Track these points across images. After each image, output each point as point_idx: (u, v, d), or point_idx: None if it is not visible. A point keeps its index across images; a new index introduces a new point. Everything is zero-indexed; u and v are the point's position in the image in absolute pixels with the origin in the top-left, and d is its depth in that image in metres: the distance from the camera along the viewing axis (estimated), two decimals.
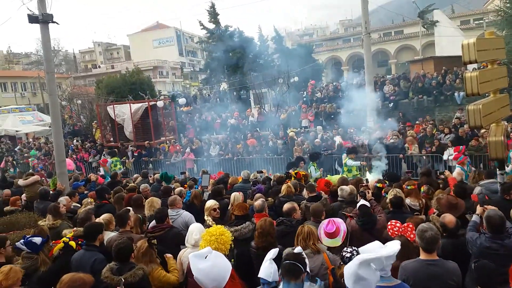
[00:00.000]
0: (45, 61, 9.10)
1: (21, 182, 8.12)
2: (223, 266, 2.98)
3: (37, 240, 3.80)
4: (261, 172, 8.93)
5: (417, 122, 14.67)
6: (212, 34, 30.73)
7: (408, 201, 5.33)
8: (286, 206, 4.75)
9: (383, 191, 6.05)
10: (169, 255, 3.99)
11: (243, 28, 32.40)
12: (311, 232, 3.69)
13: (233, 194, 6.07)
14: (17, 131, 24.02)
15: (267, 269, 2.90)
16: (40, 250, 3.82)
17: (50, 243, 4.12)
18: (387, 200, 5.28)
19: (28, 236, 3.86)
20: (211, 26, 30.60)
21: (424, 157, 11.74)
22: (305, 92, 23.49)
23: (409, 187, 5.54)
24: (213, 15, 30.12)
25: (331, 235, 3.91)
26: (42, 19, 7.94)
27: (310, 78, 25.65)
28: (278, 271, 2.90)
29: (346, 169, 10.58)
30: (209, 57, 32.40)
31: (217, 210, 5.19)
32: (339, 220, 4.05)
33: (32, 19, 7.89)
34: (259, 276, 2.96)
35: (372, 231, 4.41)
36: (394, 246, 2.77)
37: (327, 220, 4.05)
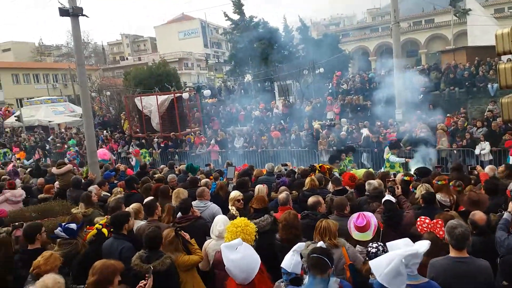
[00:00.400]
0: (76, 54, 9.36)
1: (54, 170, 8.44)
2: (252, 258, 3.01)
3: (73, 226, 3.99)
4: (286, 165, 8.91)
5: (448, 115, 14.19)
6: (237, 25, 30.68)
7: (438, 196, 5.19)
8: (311, 199, 4.73)
9: (411, 186, 5.91)
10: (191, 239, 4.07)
11: (268, 18, 32.18)
12: (328, 228, 3.63)
13: (257, 187, 6.11)
14: (49, 121, 24.94)
15: (289, 260, 2.96)
16: (77, 235, 3.99)
17: (85, 229, 4.29)
18: (416, 195, 5.17)
19: (64, 223, 4.04)
20: (236, 17, 30.53)
21: (455, 151, 11.37)
22: (330, 84, 23.15)
23: (439, 182, 5.38)
24: (238, 5, 30.02)
25: (361, 229, 3.87)
26: (73, 12, 8.15)
27: (336, 69, 25.21)
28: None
29: (389, 165, 9.75)
30: (234, 48, 32.39)
31: (241, 201, 5.27)
32: (369, 214, 3.99)
33: (63, 12, 8.10)
34: (281, 266, 3.01)
35: (397, 228, 4.32)
36: (423, 245, 2.71)
37: (357, 214, 4.00)
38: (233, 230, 3.73)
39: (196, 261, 3.92)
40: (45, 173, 9.66)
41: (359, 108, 17.20)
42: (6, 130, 24.82)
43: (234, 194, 5.36)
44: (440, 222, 3.68)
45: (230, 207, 5.21)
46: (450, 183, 5.57)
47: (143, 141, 17.08)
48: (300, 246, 3.06)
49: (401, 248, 2.95)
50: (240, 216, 4.29)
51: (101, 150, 11.92)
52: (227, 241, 3.58)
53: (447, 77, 18.02)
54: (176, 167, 10.23)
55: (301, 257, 3.06)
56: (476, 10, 25.73)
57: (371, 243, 3.49)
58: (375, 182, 5.60)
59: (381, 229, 4.18)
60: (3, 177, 9.20)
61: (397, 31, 14.28)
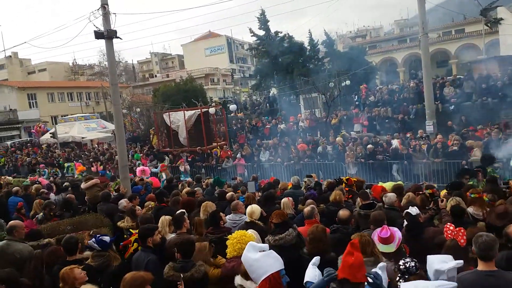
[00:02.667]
0: (110, 74, 9.79)
1: (82, 185, 8.76)
2: (265, 266, 3.05)
3: (107, 239, 4.13)
4: (310, 176, 8.83)
5: (479, 126, 13.67)
6: (262, 41, 31.10)
7: (471, 210, 5.02)
8: (343, 213, 4.66)
9: (441, 201, 5.73)
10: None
11: (293, 33, 32.46)
12: (371, 241, 3.66)
13: (282, 200, 6.10)
14: (82, 137, 25.94)
15: (312, 272, 3.05)
16: (109, 248, 4.12)
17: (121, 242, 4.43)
18: (447, 208, 5.03)
19: (98, 236, 4.19)
20: (261, 33, 30.98)
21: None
22: (356, 96, 22.93)
23: (473, 195, 5.21)
24: (263, 22, 30.48)
25: (385, 241, 3.80)
26: (107, 35, 8.57)
27: (363, 81, 24.99)
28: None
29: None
30: (259, 63, 32.81)
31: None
32: (394, 228, 3.92)
33: (98, 35, 8.53)
34: (305, 281, 3.05)
35: (417, 241, 4.24)
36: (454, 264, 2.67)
37: (383, 226, 3.94)
38: (229, 242, 3.86)
39: (216, 275, 3.94)
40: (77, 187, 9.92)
41: (387, 120, 16.89)
42: (42, 146, 26.00)
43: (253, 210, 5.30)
44: (462, 230, 3.64)
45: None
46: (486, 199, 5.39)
47: (170, 156, 17.44)
48: (317, 259, 3.18)
49: (434, 264, 2.89)
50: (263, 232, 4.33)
51: (142, 168, 12.36)
52: (229, 254, 3.82)
53: (479, 88, 17.46)
54: (203, 181, 10.37)
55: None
56: (508, 19, 24.91)
57: (403, 259, 3.40)
58: (391, 196, 5.58)
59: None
60: (40, 190, 9.66)
61: (426, 42, 14.05)
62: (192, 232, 4.89)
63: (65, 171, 18.15)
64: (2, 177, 14.66)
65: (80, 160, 18.64)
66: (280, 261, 3.15)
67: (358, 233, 3.82)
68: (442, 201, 5.00)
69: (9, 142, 31.64)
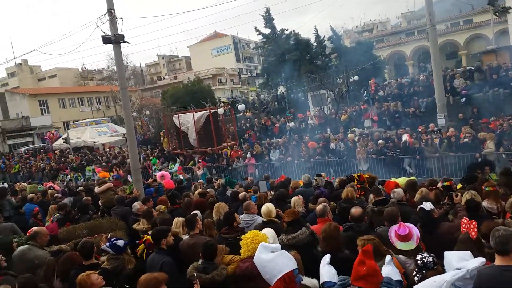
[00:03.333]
0: (119, 78, 9.90)
1: (96, 189, 8.88)
2: (278, 266, 3.05)
3: (120, 243, 4.18)
4: (320, 175, 8.78)
5: (491, 118, 13.48)
6: (268, 39, 31.09)
7: (485, 203, 4.96)
8: (356, 210, 4.64)
9: (456, 196, 5.67)
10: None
11: (298, 30, 32.37)
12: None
13: (293, 199, 6.10)
14: (94, 142, 26.26)
15: (329, 272, 3.03)
16: (124, 251, 4.18)
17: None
18: (462, 203, 4.98)
19: (112, 239, 4.25)
20: (267, 31, 30.98)
21: (504, 155, 10.77)
22: (365, 91, 22.78)
23: (487, 189, 5.14)
24: (268, 20, 30.48)
25: (404, 238, 3.78)
26: (115, 40, 8.66)
27: (372, 76, 24.80)
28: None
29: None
30: (266, 61, 32.80)
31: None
32: (410, 224, 3.90)
33: (106, 40, 8.63)
34: (323, 281, 3.03)
35: (432, 236, 4.21)
36: (475, 262, 2.64)
37: (398, 224, 3.92)
38: (243, 242, 3.84)
39: (229, 272, 3.96)
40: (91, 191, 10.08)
41: (397, 115, 16.74)
42: (55, 152, 26.40)
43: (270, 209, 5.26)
44: (474, 223, 3.63)
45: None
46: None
47: (181, 157, 17.56)
48: (329, 258, 3.18)
49: (453, 261, 2.86)
50: (278, 231, 4.33)
51: (161, 173, 12.51)
52: (243, 254, 3.79)
53: (490, 78, 17.19)
54: (215, 182, 10.42)
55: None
56: None
57: (420, 253, 3.39)
58: (399, 191, 5.57)
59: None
60: (55, 195, 9.82)
61: (434, 34, 13.88)
62: (203, 234, 4.93)
63: (86, 174, 18.27)
64: (17, 183, 14.94)
65: (97, 165, 18.73)
66: (293, 260, 3.15)
67: (367, 236, 3.78)
68: (456, 195, 4.95)
69: (23, 149, 32.20)
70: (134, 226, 5.84)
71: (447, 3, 40.44)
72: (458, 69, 22.46)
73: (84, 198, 8.51)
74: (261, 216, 5.48)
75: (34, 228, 5.38)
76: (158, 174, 12.08)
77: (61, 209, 7.40)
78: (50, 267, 4.41)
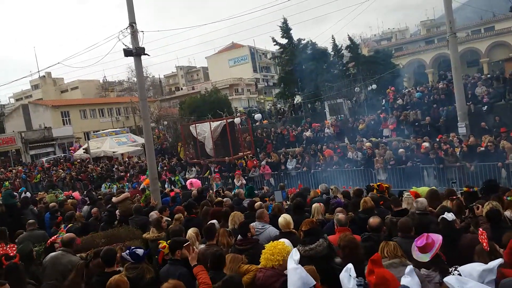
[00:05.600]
0: (139, 89, 10.10)
1: (114, 199, 8.98)
2: (301, 280, 3.05)
3: (140, 251, 4.20)
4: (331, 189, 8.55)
5: None
6: (285, 49, 31.17)
7: (508, 213, 4.78)
8: (374, 220, 4.55)
9: (477, 209, 5.48)
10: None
11: (316, 39, 32.38)
12: (396, 247, 3.56)
13: (313, 206, 6.04)
14: (114, 152, 26.74)
15: (350, 283, 2.97)
16: (143, 260, 4.20)
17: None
18: (483, 213, 4.81)
19: (132, 248, 4.28)
20: (284, 41, 31.08)
21: None
22: (384, 100, 22.52)
23: (509, 198, 4.97)
24: (286, 30, 30.59)
25: (421, 250, 3.67)
26: (136, 52, 8.87)
27: (390, 84, 24.53)
28: None
29: None
30: (283, 71, 32.85)
31: None
32: (436, 237, 3.76)
33: (127, 53, 8.85)
34: None
35: (453, 248, 4.08)
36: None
37: (423, 234, 3.80)
38: (264, 251, 3.81)
39: (245, 282, 3.93)
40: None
41: (416, 124, 16.43)
42: (76, 162, 27.00)
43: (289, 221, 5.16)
44: (484, 233, 3.60)
45: None
46: None
47: (197, 167, 17.65)
48: (349, 269, 3.11)
49: (474, 272, 2.77)
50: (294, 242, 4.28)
51: (193, 180, 12.73)
52: (262, 263, 3.75)
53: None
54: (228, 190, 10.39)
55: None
56: None
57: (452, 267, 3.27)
58: (424, 201, 5.41)
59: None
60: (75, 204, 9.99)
61: (455, 42, 13.65)
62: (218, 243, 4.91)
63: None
64: (40, 193, 15.26)
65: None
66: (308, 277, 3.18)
67: (385, 240, 3.71)
68: (478, 208, 4.77)
69: (44, 159, 33.08)
70: (145, 235, 5.87)
71: (468, 11, 39.85)
72: (479, 77, 22.00)
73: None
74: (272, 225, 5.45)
75: (69, 235, 5.44)
76: (188, 182, 12.30)
77: (69, 219, 7.54)
78: (80, 271, 4.46)
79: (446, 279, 2.65)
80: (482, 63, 35.85)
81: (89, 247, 5.63)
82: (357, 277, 3.07)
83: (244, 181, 14.29)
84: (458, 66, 13.82)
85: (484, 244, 3.47)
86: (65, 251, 5.13)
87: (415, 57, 39.22)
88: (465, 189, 5.78)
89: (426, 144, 12.60)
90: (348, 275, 3.04)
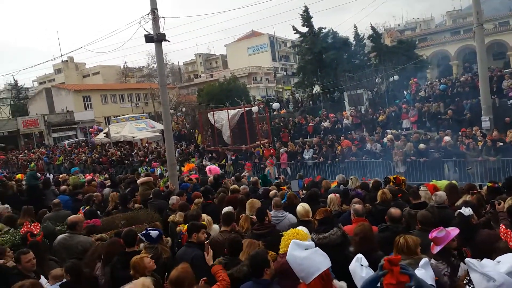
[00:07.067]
0: (159, 76, 10.17)
1: (138, 181, 9.20)
2: (315, 263, 2.96)
3: (154, 233, 4.32)
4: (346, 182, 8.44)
5: None
6: (305, 37, 30.74)
7: None
8: (395, 211, 4.52)
9: (498, 204, 5.36)
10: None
11: (337, 28, 31.83)
12: (406, 244, 3.46)
13: (329, 196, 6.03)
14: (133, 137, 27.19)
15: (362, 273, 2.87)
16: (158, 242, 4.32)
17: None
18: (505, 209, 4.71)
19: (148, 228, 4.41)
20: (304, 29, 30.65)
21: None
22: (405, 92, 22.05)
23: None
24: (306, 18, 30.14)
25: (436, 242, 3.63)
26: (157, 39, 8.91)
27: (412, 76, 23.97)
28: None
29: None
30: (302, 60, 32.48)
31: None
32: (452, 230, 3.70)
33: (148, 39, 8.89)
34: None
35: (469, 243, 4.01)
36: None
37: (439, 227, 3.76)
38: (284, 238, 3.77)
39: None
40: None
41: (439, 116, 16.04)
42: (97, 145, 27.63)
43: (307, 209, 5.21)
44: (509, 232, 3.52)
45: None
46: None
47: (214, 154, 17.78)
48: (359, 258, 3.00)
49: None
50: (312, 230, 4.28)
51: (212, 167, 12.94)
52: (281, 249, 3.71)
53: None
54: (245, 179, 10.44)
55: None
56: None
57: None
58: (443, 194, 5.32)
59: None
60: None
61: (481, 34, 13.18)
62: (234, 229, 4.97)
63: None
64: (61, 175, 15.72)
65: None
66: (328, 258, 3.07)
67: (402, 234, 3.66)
68: (499, 203, 4.66)
69: (66, 142, 33.97)
70: (170, 218, 5.99)
71: (496, 2, 38.37)
72: (505, 70, 21.27)
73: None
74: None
75: (72, 218, 5.57)
76: (207, 168, 12.56)
77: (88, 201, 7.72)
78: (97, 251, 4.64)
79: (467, 260, 2.61)
80: (509, 55, 34.63)
81: (110, 228, 5.82)
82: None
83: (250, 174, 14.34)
84: (484, 59, 13.37)
85: (511, 243, 3.39)
86: (71, 233, 5.27)
87: (440, 48, 38.13)
88: (489, 184, 5.64)
89: (447, 138, 12.32)
90: (359, 265, 2.99)
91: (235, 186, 7.94)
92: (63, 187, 9.88)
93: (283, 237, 3.81)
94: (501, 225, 3.78)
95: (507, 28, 35.86)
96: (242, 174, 11.56)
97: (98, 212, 7.39)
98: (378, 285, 2.76)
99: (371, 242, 3.86)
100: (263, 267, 3.31)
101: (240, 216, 5.19)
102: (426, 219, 4.29)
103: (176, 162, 11.40)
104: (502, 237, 3.57)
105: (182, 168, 14.89)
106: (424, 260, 3.06)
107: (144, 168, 16.56)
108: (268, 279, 3.31)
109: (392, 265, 2.57)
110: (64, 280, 3.83)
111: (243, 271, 3.59)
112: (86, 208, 7.33)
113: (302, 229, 4.04)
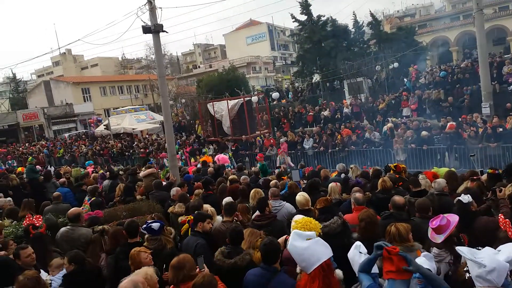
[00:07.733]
0: (158, 67, 10.11)
1: (141, 173, 9.22)
2: (317, 254, 2.96)
3: (155, 225, 4.35)
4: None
5: None
6: (304, 26, 30.45)
7: None
8: (400, 199, 4.54)
9: (499, 191, 5.36)
10: None
11: (336, 16, 31.54)
12: (398, 232, 3.46)
13: (330, 185, 6.04)
14: (133, 129, 27.18)
15: (362, 260, 2.89)
16: (159, 233, 4.35)
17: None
18: (506, 197, 4.71)
19: (149, 222, 4.45)
20: (303, 17, 30.34)
21: None
22: (405, 79, 21.95)
23: None
24: (305, 6, 29.80)
25: (436, 231, 3.65)
26: (154, 29, 8.84)
27: (412, 63, 23.82)
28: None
29: None
30: (301, 49, 32.23)
31: None
32: (451, 217, 3.72)
33: (146, 29, 8.81)
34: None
35: (467, 230, 4.03)
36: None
37: (439, 215, 3.77)
38: (294, 226, 3.75)
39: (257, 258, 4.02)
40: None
41: (439, 103, 15.98)
42: (97, 137, 27.64)
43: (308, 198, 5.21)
44: (508, 222, 3.52)
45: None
46: None
47: (214, 145, 17.79)
48: (358, 244, 3.03)
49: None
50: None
51: (220, 156, 13.03)
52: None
53: None
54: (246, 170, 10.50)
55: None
56: None
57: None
58: (442, 181, 5.34)
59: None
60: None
61: (481, 19, 13.07)
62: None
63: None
64: (63, 167, 15.77)
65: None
66: (329, 247, 3.08)
67: (392, 223, 3.66)
68: (500, 190, 4.65)
69: (66, 134, 33.96)
70: (170, 209, 6.02)
71: None
72: (506, 56, 21.13)
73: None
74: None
75: (73, 210, 5.56)
76: (216, 157, 12.71)
77: (93, 193, 7.77)
78: (98, 243, 4.69)
79: (458, 248, 2.64)
80: (509, 41, 34.35)
81: (112, 220, 5.85)
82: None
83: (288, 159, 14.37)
84: (484, 44, 13.28)
85: (510, 233, 3.40)
86: (73, 226, 5.29)
87: (440, 35, 37.83)
88: (489, 170, 5.64)
89: (453, 124, 12.25)
90: (358, 252, 3.00)
91: (234, 176, 7.95)
92: (62, 180, 9.91)
93: (293, 225, 3.81)
94: (500, 215, 3.77)
95: (507, 13, 35.51)
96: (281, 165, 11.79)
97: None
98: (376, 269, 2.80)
99: (375, 228, 3.89)
100: (277, 254, 3.35)
101: (239, 206, 5.21)
102: (423, 206, 4.32)
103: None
104: (502, 227, 3.57)
105: (193, 160, 14.97)
106: (429, 255, 3.07)
107: (153, 160, 16.59)
108: (276, 267, 3.35)
109: (391, 254, 2.60)
110: (65, 270, 3.89)
111: (246, 259, 3.63)
112: (92, 199, 7.37)
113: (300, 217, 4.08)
